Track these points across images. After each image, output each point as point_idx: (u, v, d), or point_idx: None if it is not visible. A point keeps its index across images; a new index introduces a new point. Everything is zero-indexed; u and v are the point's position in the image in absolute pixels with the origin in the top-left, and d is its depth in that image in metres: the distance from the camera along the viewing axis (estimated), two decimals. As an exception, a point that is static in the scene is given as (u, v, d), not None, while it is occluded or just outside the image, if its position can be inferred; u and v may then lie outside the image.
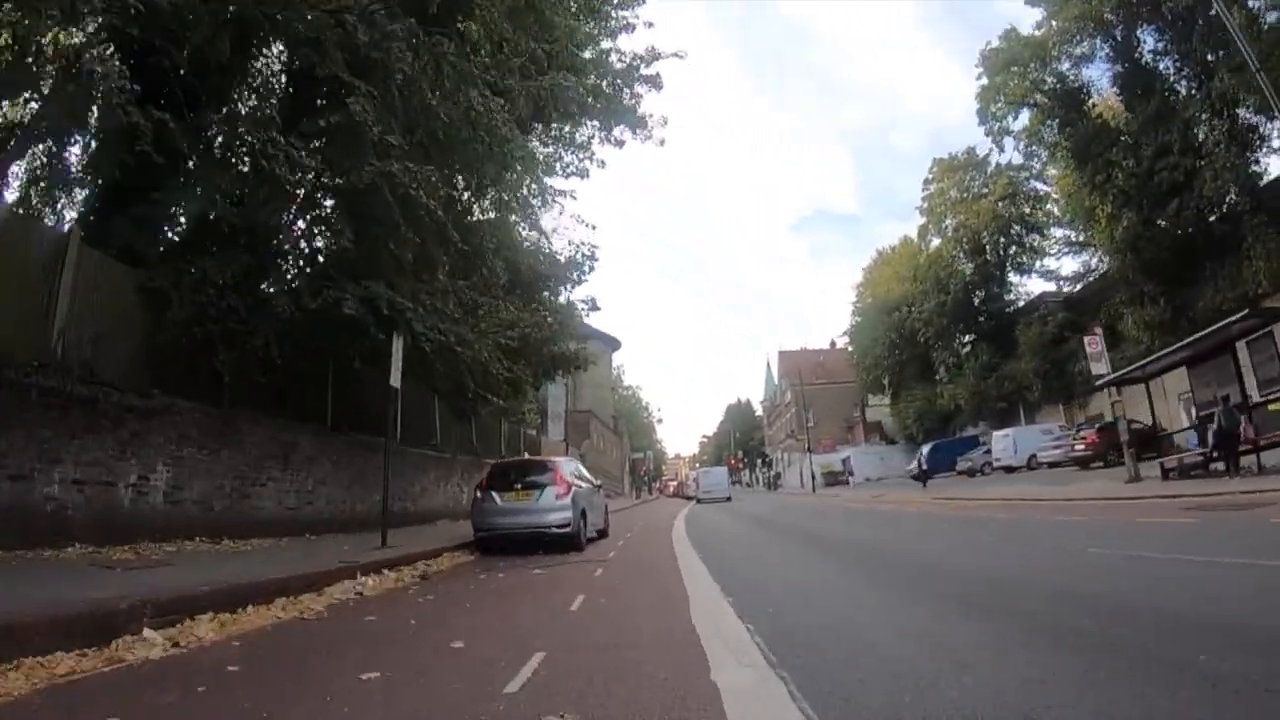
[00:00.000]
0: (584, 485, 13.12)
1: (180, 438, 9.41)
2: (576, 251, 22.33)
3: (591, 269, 22.86)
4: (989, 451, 37.02)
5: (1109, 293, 36.20)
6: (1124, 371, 20.49)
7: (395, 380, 11.02)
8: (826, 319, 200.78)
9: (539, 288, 21.36)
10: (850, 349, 64.18)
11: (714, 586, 7.13)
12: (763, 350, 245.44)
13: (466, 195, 16.55)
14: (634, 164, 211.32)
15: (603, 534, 14.73)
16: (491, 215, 18.21)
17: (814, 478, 50.88)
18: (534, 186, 21.98)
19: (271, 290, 9.89)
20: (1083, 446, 27.60)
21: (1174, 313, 31.37)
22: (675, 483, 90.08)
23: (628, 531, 17.58)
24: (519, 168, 15.81)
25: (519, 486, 11.97)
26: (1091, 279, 39.56)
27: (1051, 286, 48.10)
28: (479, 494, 12.30)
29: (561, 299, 22.99)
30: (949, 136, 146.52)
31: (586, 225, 25.71)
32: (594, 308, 26.92)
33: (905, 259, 58.14)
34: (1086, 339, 20.95)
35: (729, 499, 43.07)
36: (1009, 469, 33.45)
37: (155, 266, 9.66)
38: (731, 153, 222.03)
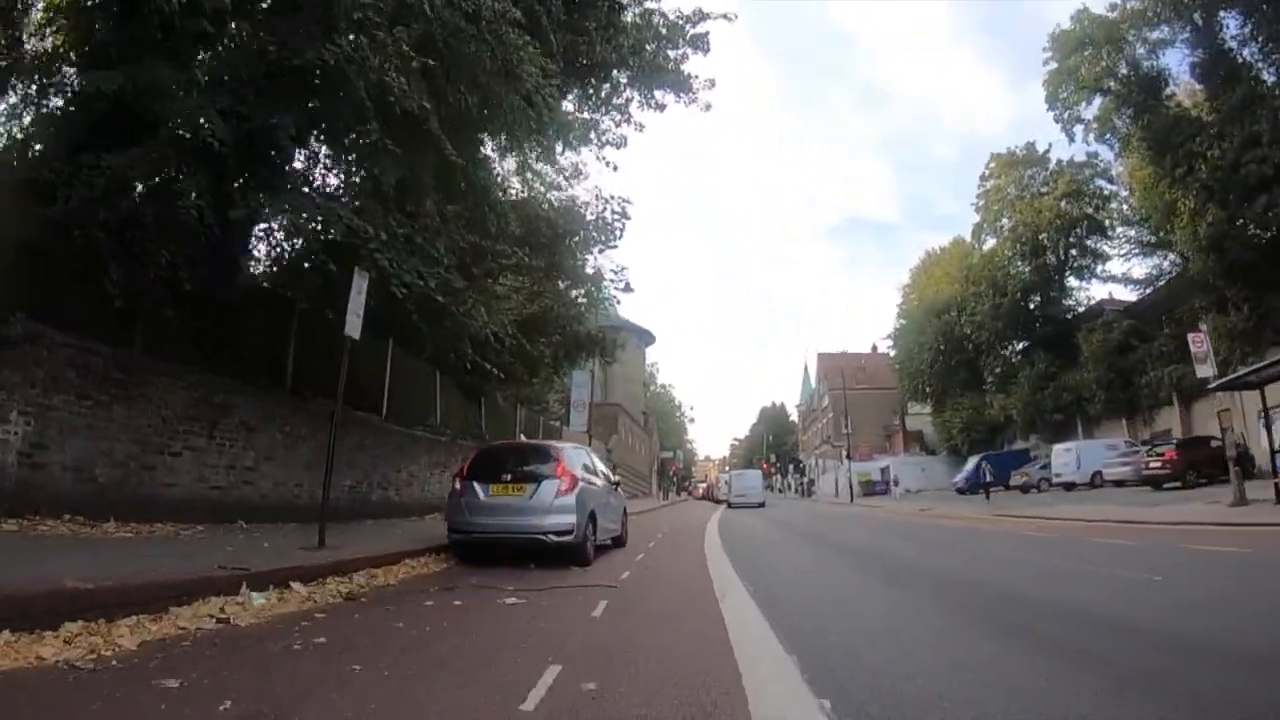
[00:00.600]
0: (596, 481, 10.80)
1: (51, 381, 7.39)
2: (605, 207, 20.14)
3: (622, 230, 20.81)
4: (1045, 466, 34.36)
5: (1182, 298, 33.34)
6: (1241, 374, 17.89)
7: (352, 329, 8.92)
8: (863, 326, 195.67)
9: (562, 251, 19.26)
10: (893, 353, 61.29)
11: (773, 643, 4.81)
12: (799, 353, 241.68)
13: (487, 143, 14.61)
14: (667, 159, 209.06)
15: (619, 542, 12.42)
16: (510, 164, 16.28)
17: (851, 487, 48.30)
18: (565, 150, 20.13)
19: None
20: (1159, 464, 24.85)
21: (1258, 321, 28.46)
22: (705, 485, 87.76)
23: (650, 540, 15.24)
24: (551, 132, 13.91)
25: (509, 478, 9.63)
26: (1164, 282, 36.46)
27: (1113, 293, 45.33)
28: (457, 484, 9.90)
29: (589, 267, 20.87)
30: (989, 148, 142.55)
31: (612, 167, 23.22)
32: (626, 287, 24.91)
33: (956, 259, 55.31)
34: (1191, 337, 18.40)
35: (763, 505, 40.65)
36: (1068, 486, 30.79)
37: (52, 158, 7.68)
38: (767, 157, 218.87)
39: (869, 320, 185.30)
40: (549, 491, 9.40)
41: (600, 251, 20.57)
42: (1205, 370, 18.27)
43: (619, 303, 66.04)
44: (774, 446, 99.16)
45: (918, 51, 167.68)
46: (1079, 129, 36.88)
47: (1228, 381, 17.95)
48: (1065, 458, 31.27)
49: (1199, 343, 18.39)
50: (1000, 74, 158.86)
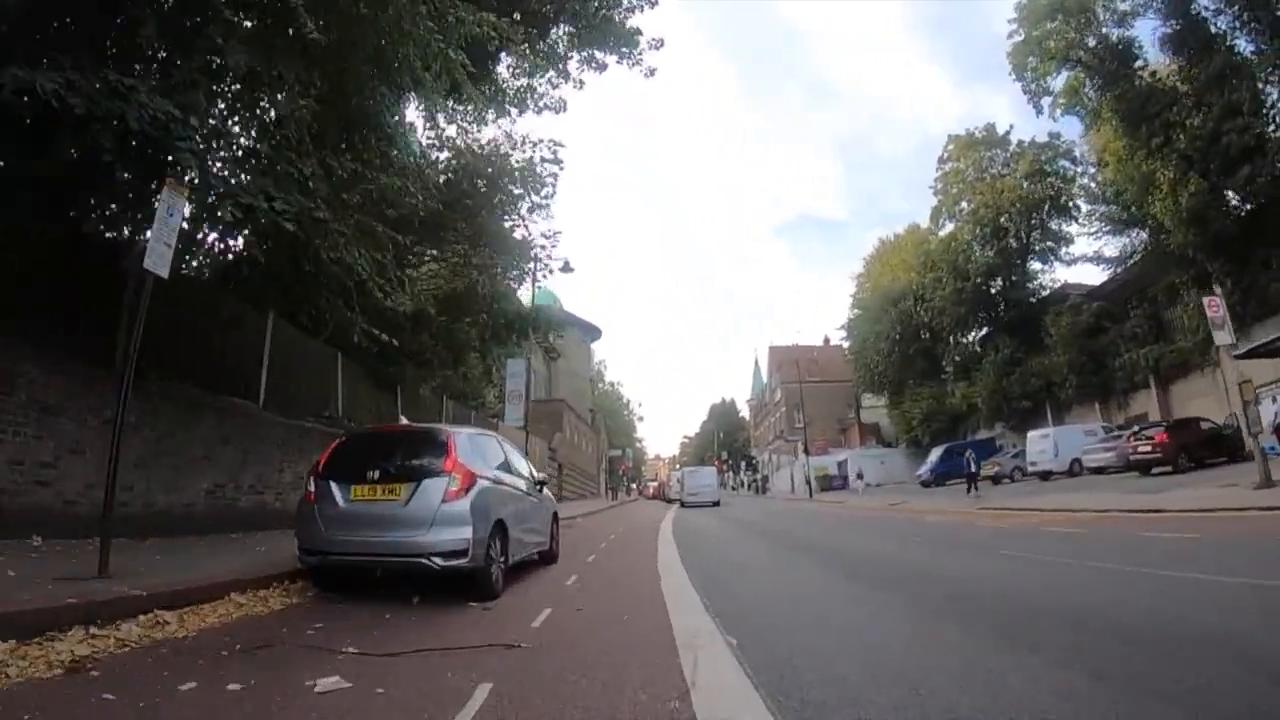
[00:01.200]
0: (508, 480, 7.69)
1: None
2: (533, 151, 17.43)
3: (555, 183, 17.96)
4: (1017, 455, 32.50)
5: (1156, 275, 31.88)
6: (1270, 340, 15.76)
7: (158, 262, 5.95)
8: (814, 321, 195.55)
9: (488, 211, 16.33)
10: (847, 345, 59.32)
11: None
12: (749, 349, 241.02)
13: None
14: (614, 151, 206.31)
15: (547, 558, 9.53)
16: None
17: (810, 482, 46.14)
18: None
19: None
20: (1149, 448, 22.86)
21: (1241, 296, 26.76)
22: (655, 484, 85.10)
23: (592, 550, 12.47)
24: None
25: (377, 475, 6.55)
26: (1135, 260, 34.84)
27: (1072, 278, 44.03)
28: (311, 485, 6.78)
29: (517, 232, 17.94)
30: (938, 145, 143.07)
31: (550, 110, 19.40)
32: (565, 267, 21.98)
33: (912, 246, 53.64)
34: (1206, 301, 16.20)
35: (718, 503, 38.08)
36: (1044, 475, 28.83)
37: None
38: (713, 151, 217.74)
39: (819, 316, 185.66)
40: (432, 494, 6.35)
41: (530, 210, 17.58)
42: (1224, 337, 16.13)
43: (556, 300, 63.69)
44: (725, 443, 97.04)
45: (870, 50, 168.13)
46: (1046, 102, 35.17)
47: (1256, 349, 15.77)
48: (1041, 445, 29.26)
49: (1215, 308, 16.24)
50: (949, 72, 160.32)
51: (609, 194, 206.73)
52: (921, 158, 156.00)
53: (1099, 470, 26.64)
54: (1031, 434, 30.73)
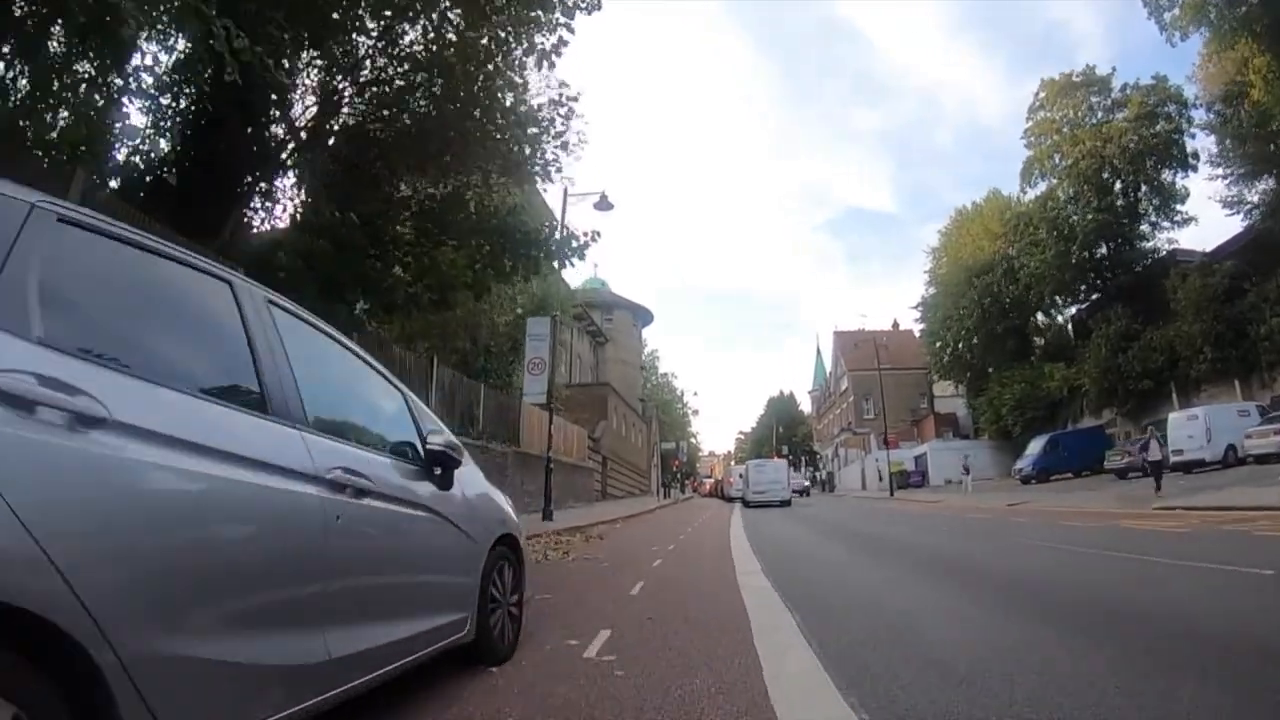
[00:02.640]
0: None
1: None
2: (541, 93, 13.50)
3: (567, 121, 13.59)
4: (1146, 445, 27.10)
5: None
6: None
7: None
8: (879, 304, 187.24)
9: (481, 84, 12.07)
10: (920, 327, 53.71)
11: None
12: (808, 340, 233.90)
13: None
14: (664, 150, 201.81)
15: (487, 647, 4.27)
16: None
17: (890, 478, 41.08)
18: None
19: None
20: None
21: None
22: (712, 480, 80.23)
23: (632, 582, 8.03)
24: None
25: None
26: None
27: (1189, 240, 38.20)
28: None
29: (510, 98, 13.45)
30: (988, 139, 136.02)
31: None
32: (603, 203, 17.86)
33: (994, 213, 48.11)
34: None
35: (788, 502, 33.13)
36: (1190, 465, 23.48)
37: None
38: (759, 146, 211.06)
39: (879, 306, 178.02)
40: None
41: (536, 59, 12.99)
42: None
43: (604, 284, 59.21)
44: (784, 438, 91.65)
45: (916, 44, 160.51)
46: (1169, 17, 29.50)
47: None
48: (1188, 429, 23.89)
49: None
50: (999, 65, 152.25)
51: (655, 192, 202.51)
52: (972, 149, 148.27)
53: (1264, 458, 21.37)
54: (1174, 416, 25.34)
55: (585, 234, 14.25)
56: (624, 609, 6.31)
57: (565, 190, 17.66)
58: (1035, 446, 34.30)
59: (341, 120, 13.59)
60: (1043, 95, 41.15)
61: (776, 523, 21.07)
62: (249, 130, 12.52)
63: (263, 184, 13.46)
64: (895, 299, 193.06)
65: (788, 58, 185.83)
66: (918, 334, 57.03)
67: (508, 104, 12.93)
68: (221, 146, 12.10)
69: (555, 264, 14.64)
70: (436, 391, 17.12)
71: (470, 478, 4.42)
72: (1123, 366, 32.86)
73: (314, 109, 13.39)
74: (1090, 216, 36.16)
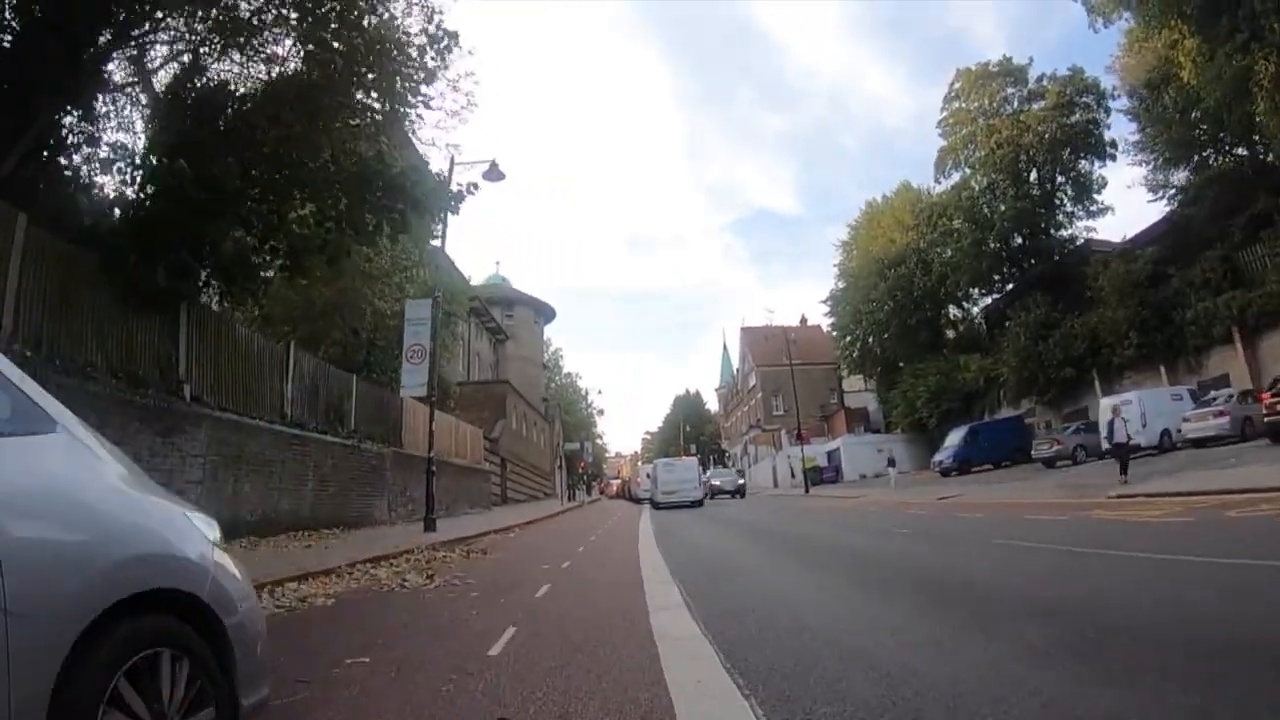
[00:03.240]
0: None
1: None
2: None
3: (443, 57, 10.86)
4: (1078, 431, 25.91)
5: (1235, 206, 26.00)
6: None
7: None
8: (787, 301, 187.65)
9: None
10: (831, 321, 52.42)
11: None
12: (712, 337, 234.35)
13: None
14: (565, 150, 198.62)
15: None
16: None
17: (802, 474, 39.34)
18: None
19: None
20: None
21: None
22: (619, 481, 77.52)
23: (510, 613, 6.19)
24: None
25: None
26: (1208, 193, 28.44)
27: (1104, 231, 37.85)
28: None
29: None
30: (893, 142, 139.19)
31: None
32: (493, 173, 15.20)
33: (905, 205, 47.39)
34: None
35: (700, 502, 30.69)
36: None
37: None
38: (667, 151, 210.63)
39: (785, 305, 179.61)
40: None
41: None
42: None
43: (505, 280, 55.72)
44: (691, 437, 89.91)
45: (820, 49, 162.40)
46: (1096, 2, 28.61)
47: None
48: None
49: None
50: (901, 71, 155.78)
51: (558, 189, 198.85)
52: (876, 152, 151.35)
53: (1201, 442, 20.62)
54: (1105, 401, 24.07)
55: (461, 185, 11.76)
56: (467, 692, 3.71)
57: (452, 159, 14.70)
58: (954, 438, 33.08)
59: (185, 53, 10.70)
60: (958, 85, 40.36)
61: (691, 526, 18.67)
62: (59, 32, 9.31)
63: (76, 114, 10.28)
64: (800, 298, 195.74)
65: (698, 58, 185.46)
66: (827, 328, 55.94)
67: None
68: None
69: (427, 219, 11.91)
70: (294, 383, 13.94)
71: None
72: (1043, 354, 31.87)
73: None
74: (1006, 206, 35.30)
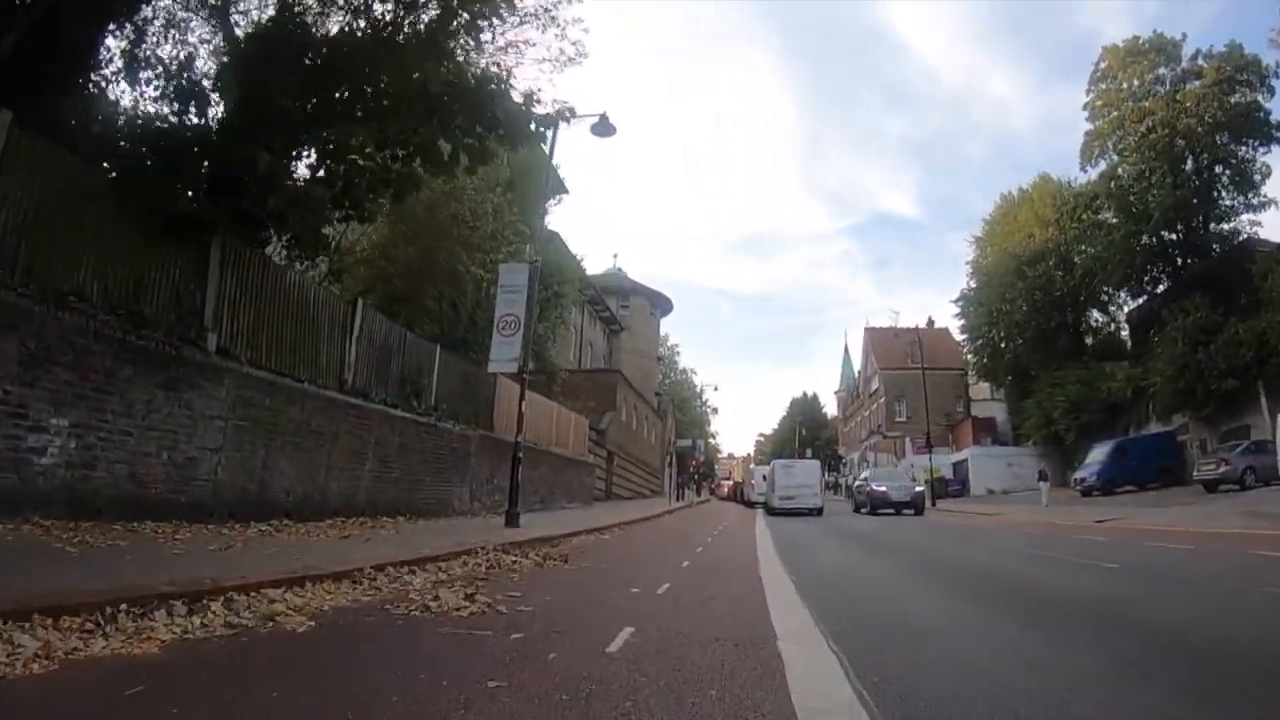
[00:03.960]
0: None
1: None
2: None
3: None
4: (1249, 451, 22.89)
5: None
6: None
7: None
8: (912, 303, 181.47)
9: None
10: (961, 323, 49.33)
11: None
12: (833, 342, 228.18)
13: None
14: (685, 151, 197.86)
15: None
16: None
17: (931, 486, 37.08)
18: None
19: None
20: None
21: None
22: (730, 482, 76.11)
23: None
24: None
25: None
26: None
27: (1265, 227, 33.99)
28: None
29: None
30: (1018, 148, 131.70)
31: None
32: (606, 126, 14.46)
33: (1045, 198, 44.12)
34: None
35: (821, 510, 28.74)
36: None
37: None
38: (785, 150, 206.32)
39: (904, 312, 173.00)
40: None
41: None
42: None
43: (621, 271, 55.29)
44: (807, 440, 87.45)
45: (946, 53, 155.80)
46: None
47: None
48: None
49: None
50: (1028, 75, 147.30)
51: (671, 187, 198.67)
52: (1001, 159, 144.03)
53: None
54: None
55: (555, 103, 10.76)
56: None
57: (559, 113, 14.02)
58: (1099, 454, 30.32)
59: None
60: (1105, 64, 37.14)
61: (819, 540, 16.44)
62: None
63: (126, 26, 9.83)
64: (922, 304, 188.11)
65: (817, 58, 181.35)
66: (956, 331, 52.86)
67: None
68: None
69: (513, 145, 10.93)
70: (359, 345, 13.00)
71: None
72: (1203, 363, 28.65)
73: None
74: (1164, 193, 32.02)
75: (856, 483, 36.54)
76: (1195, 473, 24.53)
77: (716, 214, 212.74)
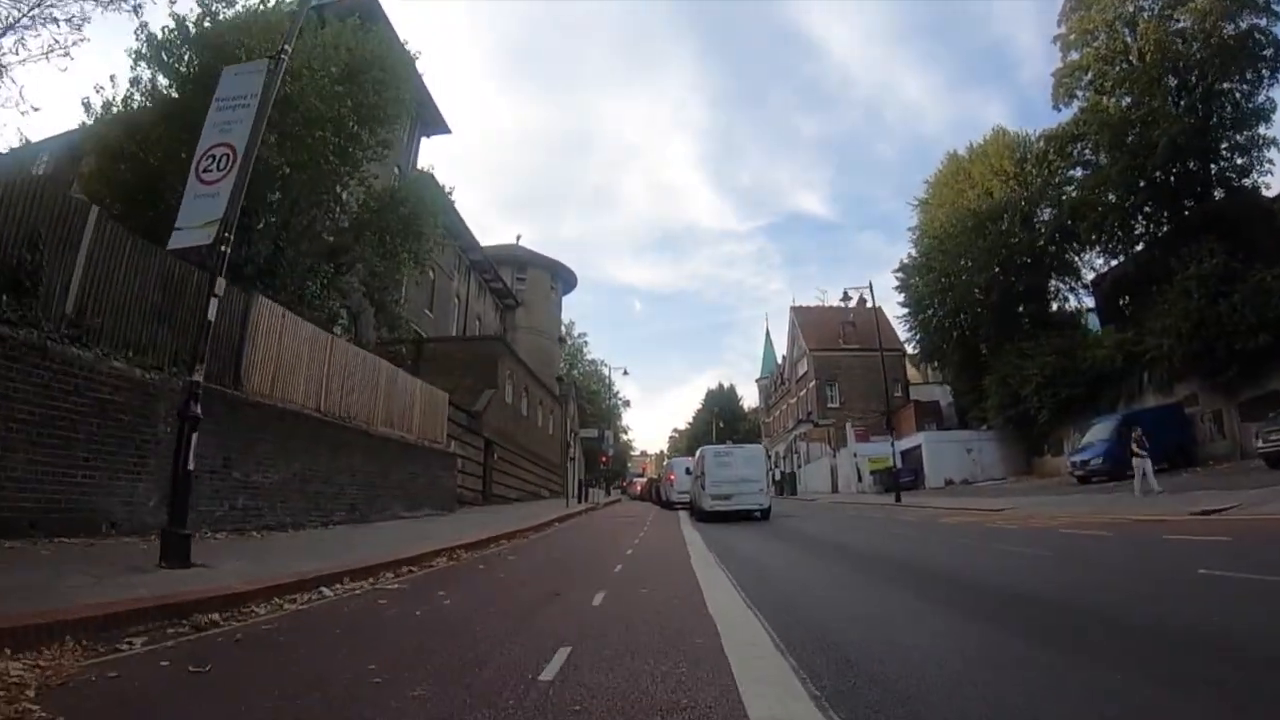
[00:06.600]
0: None
1: None
2: None
3: None
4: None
5: None
6: None
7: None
8: (838, 281, 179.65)
9: None
10: (903, 297, 43.53)
11: None
12: (748, 338, 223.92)
13: None
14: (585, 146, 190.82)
15: None
16: None
17: (872, 477, 30.91)
18: None
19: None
20: None
21: None
22: (645, 479, 68.71)
23: None
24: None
25: None
26: None
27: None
28: None
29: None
30: (931, 148, 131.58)
31: None
32: None
33: (1004, 151, 38.88)
34: None
35: (767, 513, 21.35)
36: None
37: None
38: (702, 155, 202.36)
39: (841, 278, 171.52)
40: None
41: None
42: None
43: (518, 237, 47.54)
44: (725, 433, 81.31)
45: (859, 55, 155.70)
46: None
47: None
48: None
49: None
50: (939, 78, 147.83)
51: (582, 185, 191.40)
52: (912, 161, 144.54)
53: None
54: None
55: None
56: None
57: None
58: (1102, 431, 24.72)
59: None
60: (1080, -10, 31.63)
61: (802, 567, 10.07)
62: None
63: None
64: (840, 297, 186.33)
65: (732, 58, 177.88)
66: (894, 308, 47.45)
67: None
68: None
69: None
70: None
71: None
72: (1224, 317, 23.02)
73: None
74: (1170, 124, 26.43)
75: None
76: (1259, 443, 18.56)
77: (628, 213, 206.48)
